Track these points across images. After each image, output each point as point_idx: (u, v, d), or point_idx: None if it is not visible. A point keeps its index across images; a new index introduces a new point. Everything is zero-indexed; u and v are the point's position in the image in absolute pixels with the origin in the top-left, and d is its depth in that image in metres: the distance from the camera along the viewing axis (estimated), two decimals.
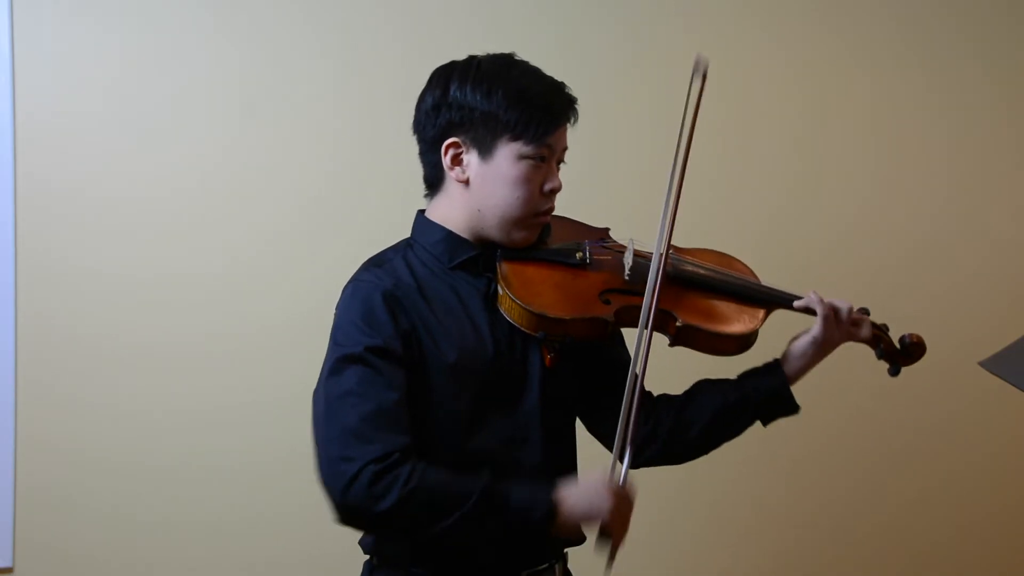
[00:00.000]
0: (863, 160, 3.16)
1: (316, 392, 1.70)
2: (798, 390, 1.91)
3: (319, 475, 1.64)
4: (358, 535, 1.79)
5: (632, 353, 1.74)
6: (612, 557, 1.69)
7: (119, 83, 2.75)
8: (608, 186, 2.91)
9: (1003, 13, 3.23)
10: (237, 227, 2.80)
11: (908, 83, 3.19)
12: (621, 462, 1.72)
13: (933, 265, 3.18)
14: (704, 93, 1.77)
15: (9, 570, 2.69)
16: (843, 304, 1.90)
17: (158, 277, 2.75)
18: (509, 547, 1.72)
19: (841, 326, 1.90)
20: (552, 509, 1.65)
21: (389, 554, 1.77)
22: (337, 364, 1.67)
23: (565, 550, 1.87)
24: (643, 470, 1.91)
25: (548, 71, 1.80)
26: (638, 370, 1.73)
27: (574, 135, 1.82)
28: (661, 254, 1.76)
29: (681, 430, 1.90)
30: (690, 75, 1.77)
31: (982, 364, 1.83)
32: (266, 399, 2.79)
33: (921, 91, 3.19)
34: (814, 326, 1.88)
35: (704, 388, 1.93)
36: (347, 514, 1.62)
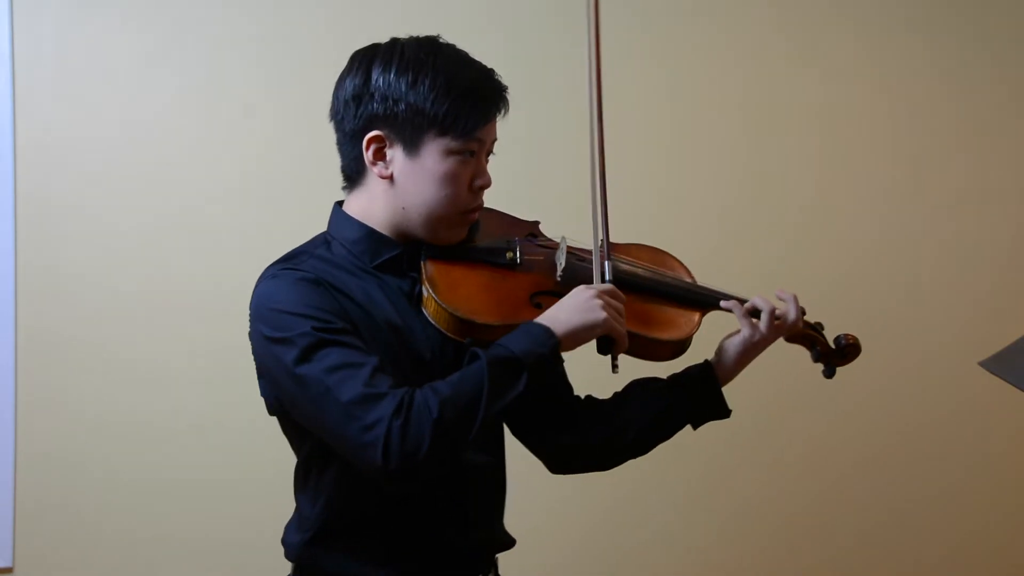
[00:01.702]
0: (863, 160, 3.16)
1: (299, 399, 1.58)
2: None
3: (353, 460, 1.55)
4: None
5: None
6: (616, 358, 1.65)
7: (119, 83, 2.75)
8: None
9: (1005, 13, 3.23)
10: (240, 234, 2.78)
11: (911, 83, 3.18)
12: (599, 274, 1.68)
13: (933, 265, 3.18)
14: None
15: (9, 570, 2.69)
16: (764, 304, 1.80)
17: (159, 284, 2.75)
18: (440, 557, 1.67)
19: (766, 326, 1.80)
20: (554, 336, 1.58)
21: (316, 562, 1.71)
22: (302, 354, 1.55)
23: (496, 555, 1.80)
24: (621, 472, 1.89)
25: (490, 62, 1.71)
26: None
27: (504, 123, 1.73)
28: (601, 252, 1.70)
29: (615, 438, 1.82)
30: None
31: (982, 364, 1.82)
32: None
33: (924, 91, 3.19)
34: (743, 327, 1.80)
35: (635, 394, 1.84)
36: (400, 477, 1.51)
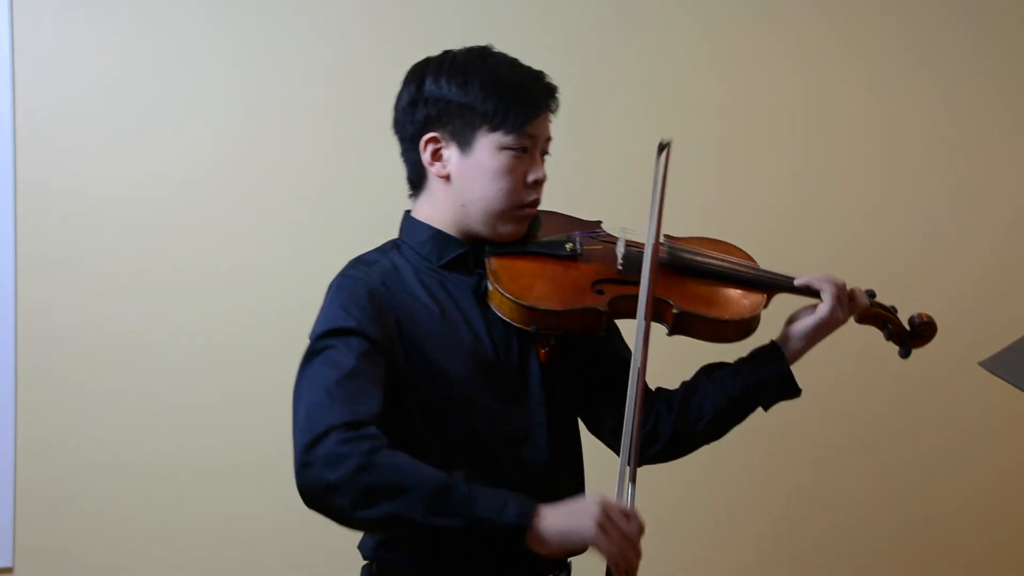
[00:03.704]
0: (863, 160, 3.16)
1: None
2: (806, 387, 1.88)
3: (293, 441, 1.57)
4: (359, 536, 1.77)
5: (633, 349, 1.66)
6: None
7: (119, 83, 2.75)
8: (599, 180, 2.89)
9: (1006, 13, 3.23)
10: (236, 225, 2.80)
11: (912, 84, 3.19)
12: (625, 483, 1.59)
13: (933, 265, 3.18)
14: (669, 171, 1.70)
15: (9, 570, 2.69)
16: (833, 284, 1.85)
17: (158, 275, 2.76)
18: (509, 557, 1.65)
19: (846, 304, 1.84)
20: (524, 518, 1.48)
21: (389, 562, 1.73)
22: (312, 346, 1.63)
23: (569, 560, 1.81)
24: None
25: (539, 64, 1.75)
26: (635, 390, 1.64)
27: (563, 129, 1.78)
28: (653, 242, 1.70)
29: (686, 428, 1.85)
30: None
31: (982, 364, 1.83)
32: (269, 396, 2.78)
33: (925, 91, 3.19)
34: (821, 305, 1.83)
35: (704, 381, 1.87)
36: (305, 480, 1.51)
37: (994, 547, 3.21)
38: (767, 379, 1.84)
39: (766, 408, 1.87)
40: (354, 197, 2.84)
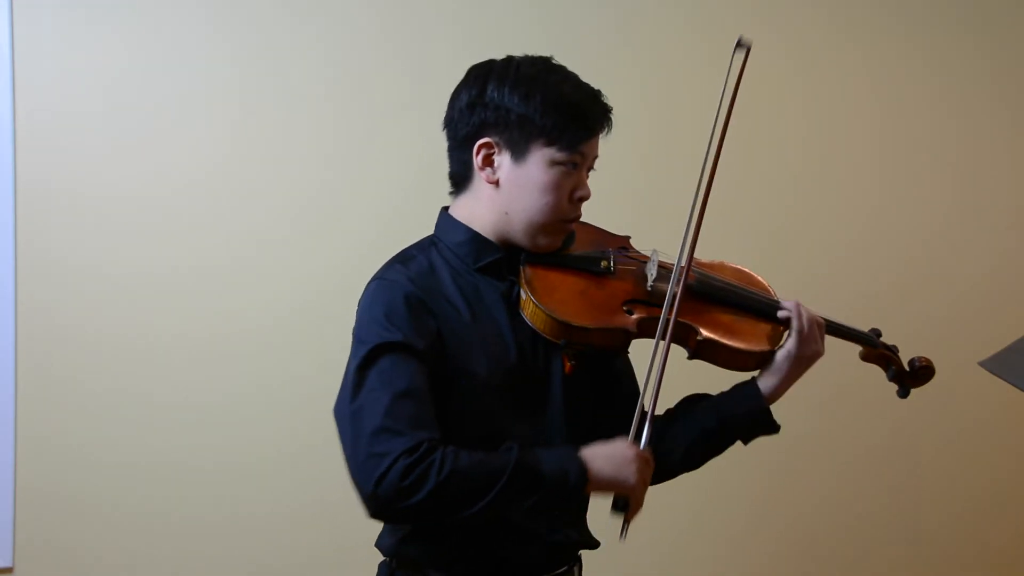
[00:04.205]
0: (863, 164, 3.16)
1: (341, 391, 1.67)
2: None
3: (350, 473, 1.62)
4: (367, 534, 1.78)
5: (650, 362, 1.72)
6: (628, 524, 1.68)
7: (119, 83, 2.75)
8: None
9: (1008, 13, 3.23)
10: (236, 225, 2.80)
11: (913, 87, 3.19)
12: (643, 429, 1.70)
13: (934, 266, 3.18)
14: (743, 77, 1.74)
15: (9, 570, 2.69)
16: (814, 317, 1.84)
17: (157, 275, 2.76)
18: (527, 549, 1.73)
19: (811, 339, 1.83)
20: (584, 473, 1.63)
21: (409, 557, 1.75)
22: (361, 362, 1.64)
23: (580, 552, 1.85)
24: None
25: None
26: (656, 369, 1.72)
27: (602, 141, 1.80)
28: (682, 266, 1.75)
29: (662, 456, 1.84)
30: (729, 61, 1.77)
31: (982, 364, 1.83)
32: (269, 396, 2.80)
33: (924, 95, 3.20)
34: (788, 341, 1.83)
35: (684, 413, 1.89)
36: (379, 508, 1.59)
37: (994, 547, 3.21)
38: (743, 416, 1.86)
39: (745, 442, 1.89)
40: (354, 198, 2.84)
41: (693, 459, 1.89)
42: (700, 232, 1.78)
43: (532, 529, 1.74)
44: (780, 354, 1.83)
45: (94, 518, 2.72)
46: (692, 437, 1.86)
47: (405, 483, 1.55)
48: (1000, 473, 3.22)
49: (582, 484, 1.64)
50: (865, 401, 3.10)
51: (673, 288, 1.74)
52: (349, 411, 1.63)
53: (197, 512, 2.77)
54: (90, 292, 2.73)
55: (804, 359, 1.83)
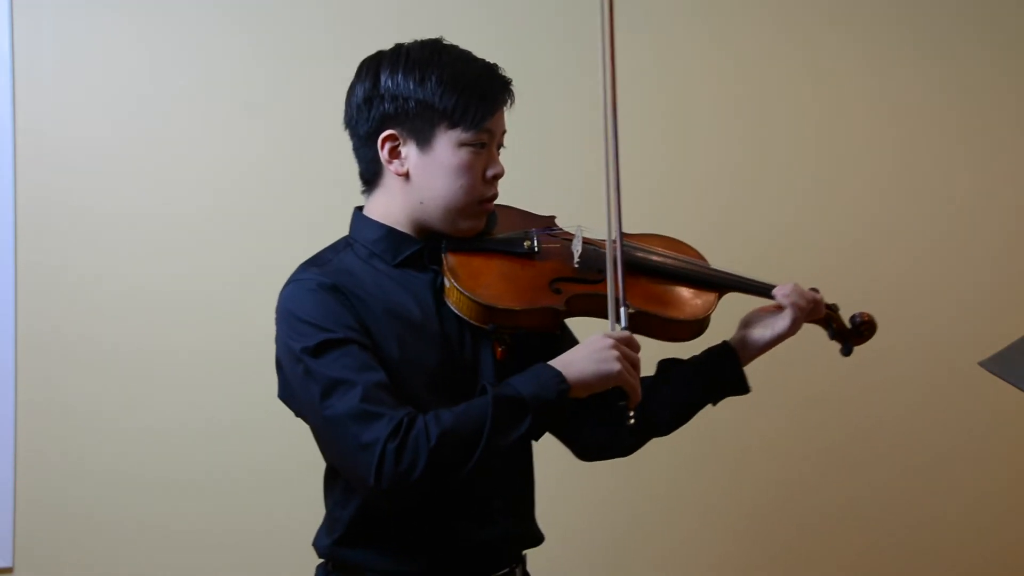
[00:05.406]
0: (863, 161, 3.16)
1: (303, 405, 1.66)
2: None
3: (346, 477, 1.62)
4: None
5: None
6: (631, 410, 1.65)
7: (119, 84, 2.74)
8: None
9: (1013, 13, 3.23)
10: (239, 236, 2.78)
11: (911, 83, 3.18)
12: (615, 319, 1.68)
13: (934, 265, 3.18)
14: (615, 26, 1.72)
15: (9, 570, 2.69)
16: (809, 295, 1.89)
17: (158, 285, 2.75)
18: (470, 553, 1.71)
19: (805, 317, 1.89)
20: (563, 380, 1.60)
21: (349, 559, 1.72)
22: (309, 366, 1.61)
23: (524, 552, 1.83)
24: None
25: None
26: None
27: (517, 123, 1.78)
28: (614, 240, 1.72)
29: (650, 417, 1.86)
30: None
31: (982, 364, 1.83)
32: (268, 406, 2.77)
33: (924, 90, 3.19)
34: (781, 321, 1.86)
35: (662, 383, 1.90)
36: (389, 498, 1.57)
37: (995, 548, 3.21)
38: (722, 382, 1.89)
39: (714, 403, 1.91)
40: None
41: (672, 426, 1.90)
42: (630, 209, 1.74)
43: (464, 528, 1.71)
44: (766, 331, 1.87)
45: (94, 519, 2.71)
46: (670, 411, 1.88)
47: (402, 466, 1.53)
48: (1001, 473, 3.21)
49: (565, 391, 1.61)
50: (864, 402, 3.11)
51: (610, 262, 1.70)
52: (322, 418, 1.60)
53: (197, 515, 2.76)
54: (90, 300, 2.72)
55: (790, 333, 1.88)
